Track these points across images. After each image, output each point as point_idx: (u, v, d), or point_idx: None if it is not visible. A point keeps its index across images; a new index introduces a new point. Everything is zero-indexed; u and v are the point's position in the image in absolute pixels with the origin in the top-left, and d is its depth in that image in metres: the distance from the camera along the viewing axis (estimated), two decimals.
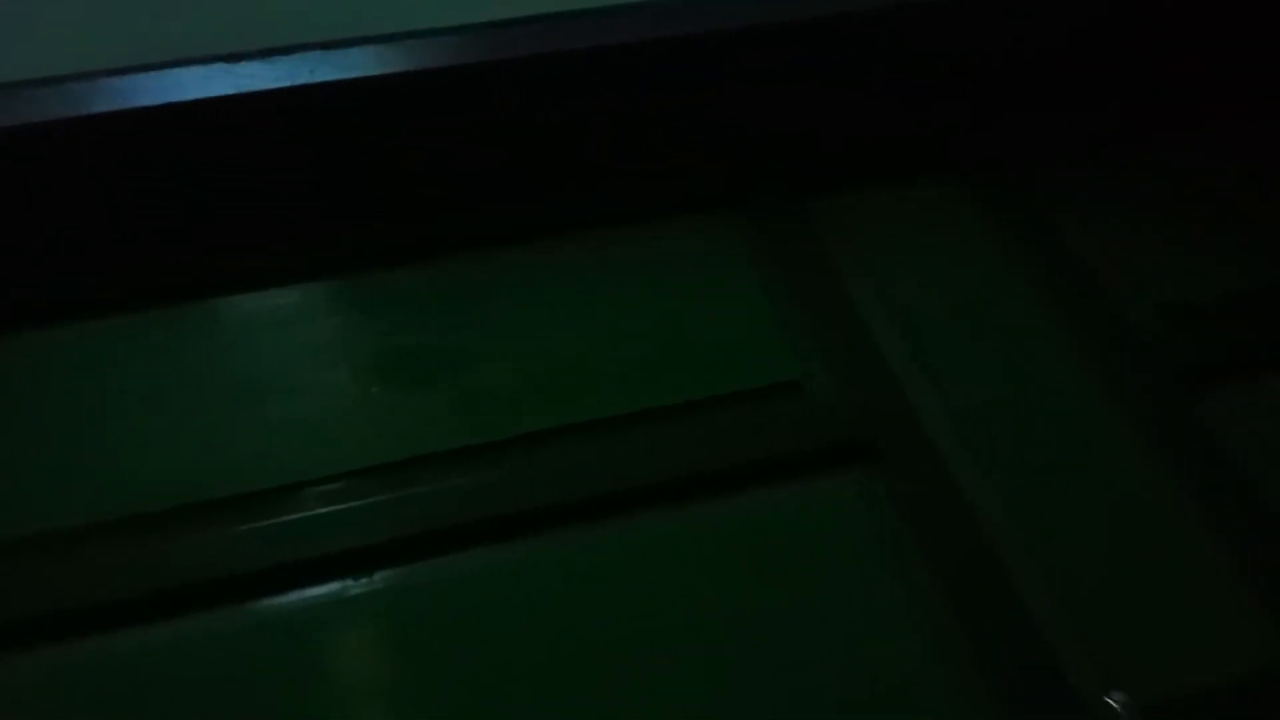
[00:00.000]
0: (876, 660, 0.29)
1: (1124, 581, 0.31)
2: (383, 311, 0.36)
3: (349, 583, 0.31)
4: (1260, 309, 0.38)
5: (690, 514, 0.32)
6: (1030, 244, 0.39)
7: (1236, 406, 0.35)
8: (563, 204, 0.39)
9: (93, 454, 0.32)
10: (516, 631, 0.30)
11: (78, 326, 0.34)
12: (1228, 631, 0.30)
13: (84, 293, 0.35)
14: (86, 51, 0.37)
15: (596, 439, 0.33)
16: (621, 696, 0.29)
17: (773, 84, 0.41)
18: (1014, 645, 0.30)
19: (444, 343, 0.35)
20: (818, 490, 0.32)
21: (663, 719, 0.29)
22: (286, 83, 0.37)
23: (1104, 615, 0.31)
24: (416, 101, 0.38)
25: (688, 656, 0.29)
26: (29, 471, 0.31)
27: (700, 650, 0.29)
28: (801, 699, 0.29)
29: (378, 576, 0.31)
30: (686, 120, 0.41)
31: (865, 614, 0.30)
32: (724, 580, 0.31)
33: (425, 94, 0.37)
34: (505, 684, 0.29)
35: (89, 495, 0.31)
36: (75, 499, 0.31)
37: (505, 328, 0.35)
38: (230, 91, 0.37)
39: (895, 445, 0.33)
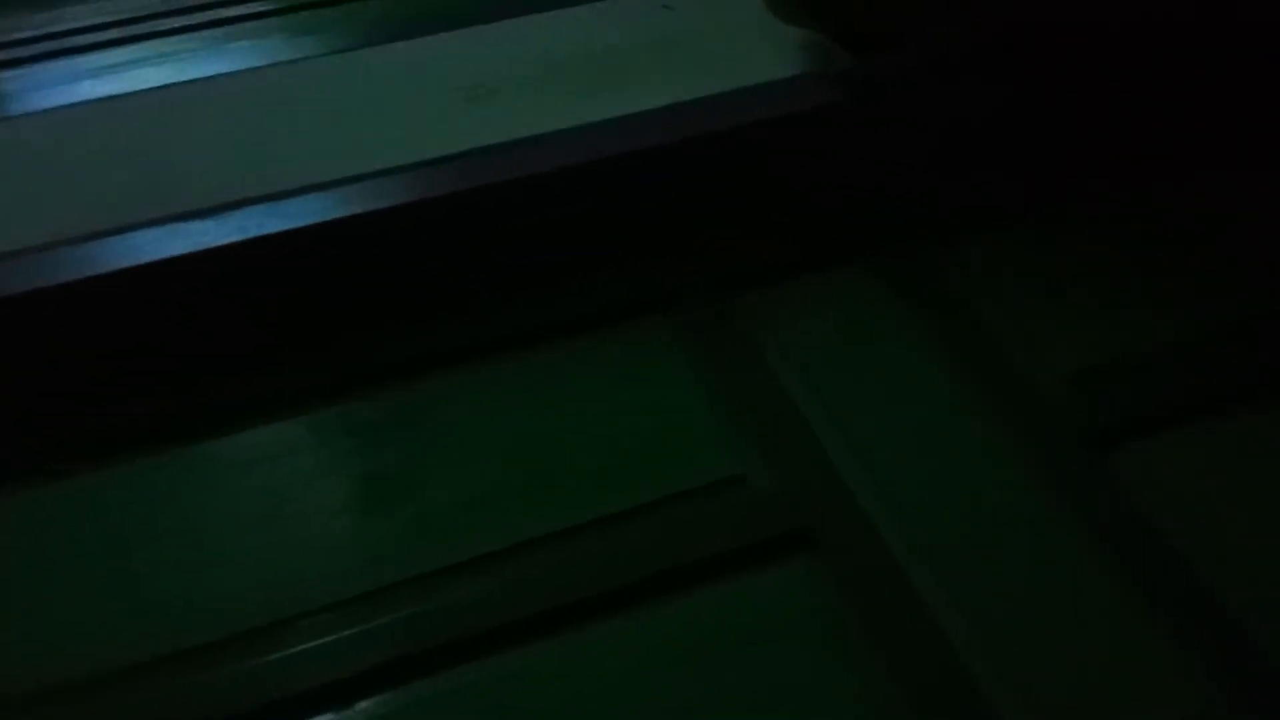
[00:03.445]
0: None
1: (1054, 639, 0.32)
2: (339, 444, 0.37)
3: (330, 717, 0.31)
4: (1161, 368, 0.39)
5: (649, 616, 0.32)
6: (944, 319, 0.41)
7: (1146, 463, 0.36)
8: (495, 325, 0.41)
9: (66, 611, 0.33)
10: None
11: (45, 487, 0.36)
12: (1155, 682, 0.31)
13: (44, 454, 0.37)
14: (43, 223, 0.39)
15: (551, 552, 0.34)
16: None
17: (685, 193, 0.43)
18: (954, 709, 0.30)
19: (398, 470, 0.36)
20: (767, 580, 0.33)
21: None
22: (234, 237, 0.39)
23: (1040, 675, 0.31)
24: (353, 244, 0.40)
25: None
26: (7, 630, 0.32)
27: None
28: None
29: (358, 708, 0.31)
30: (607, 233, 0.43)
31: (814, 698, 0.31)
32: (690, 677, 0.31)
33: (359, 237, 0.40)
34: None
35: (67, 653, 0.32)
36: (53, 657, 0.32)
37: (452, 450, 0.37)
38: (184, 250, 0.39)
39: (836, 530, 0.34)
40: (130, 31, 0.60)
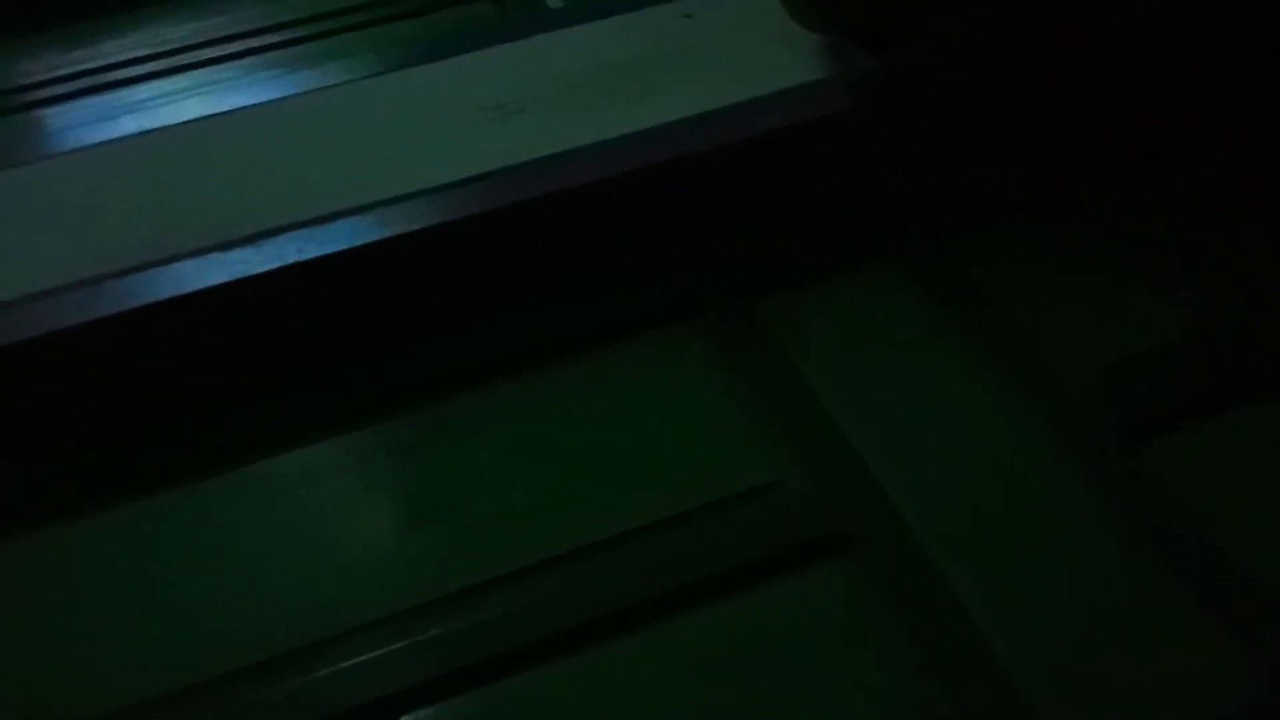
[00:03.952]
0: None
1: (1097, 637, 0.32)
2: (378, 464, 0.38)
3: None
4: (1192, 357, 0.39)
5: (690, 623, 0.33)
6: (970, 317, 0.41)
7: (1182, 455, 0.36)
8: (526, 338, 0.42)
9: (114, 636, 0.34)
10: None
11: (90, 518, 0.37)
12: (1204, 675, 0.31)
13: (89, 485, 0.38)
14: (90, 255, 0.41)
15: (589, 563, 0.34)
16: None
17: (709, 202, 0.44)
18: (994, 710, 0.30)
19: (435, 488, 0.37)
20: (804, 585, 0.33)
21: None
22: (274, 264, 0.40)
23: (1082, 674, 0.31)
24: (387, 266, 0.41)
25: None
26: (64, 658, 0.33)
27: None
28: None
29: None
30: (635, 243, 0.43)
31: (853, 700, 0.31)
32: (732, 683, 0.32)
33: (393, 259, 0.40)
34: None
35: (118, 678, 0.32)
36: (105, 684, 0.32)
37: (487, 466, 0.37)
38: (225, 279, 0.40)
39: (870, 532, 0.34)
40: (164, 65, 0.61)
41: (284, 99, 0.50)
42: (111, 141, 0.50)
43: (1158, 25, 0.46)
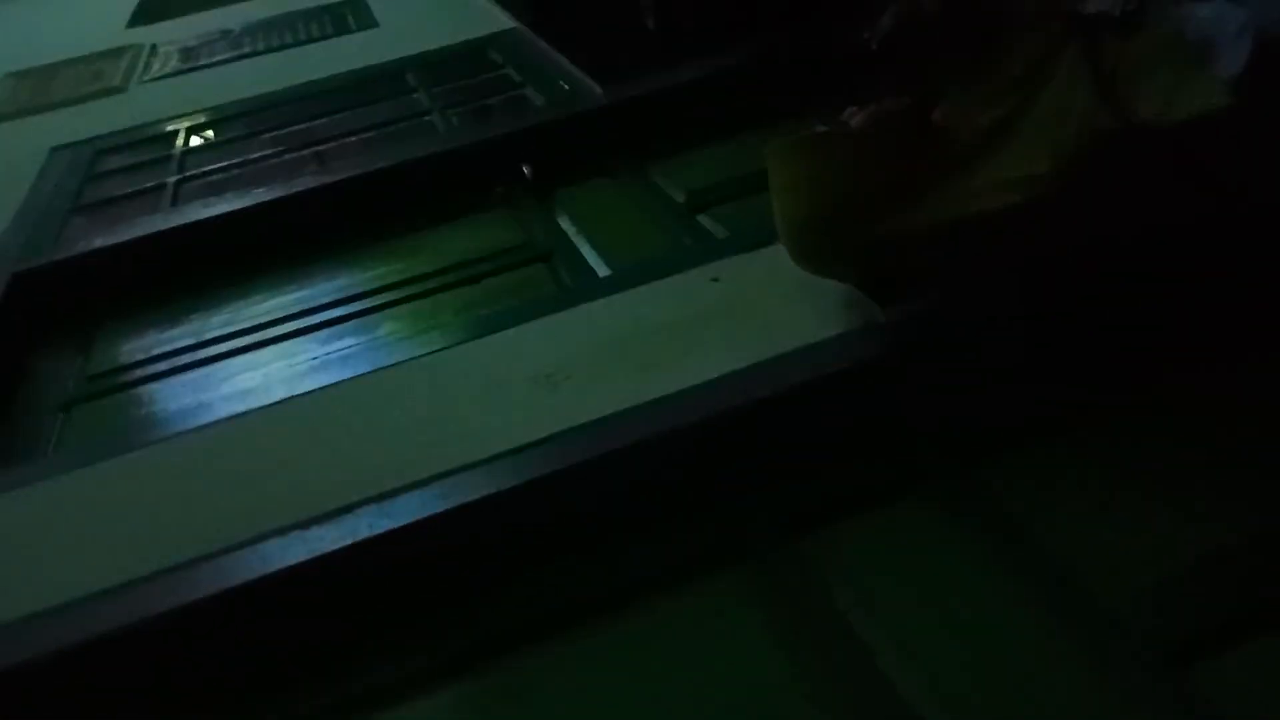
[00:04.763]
0: None
1: None
2: None
3: None
4: (1230, 573, 0.40)
5: None
6: (1007, 545, 0.42)
7: (1222, 677, 0.37)
8: (580, 590, 0.44)
9: None
10: None
11: None
12: None
13: None
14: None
15: None
16: None
17: (748, 449, 0.47)
18: None
19: None
20: None
21: None
22: (349, 540, 0.44)
23: None
24: (452, 533, 0.44)
25: None
26: None
27: None
28: None
29: None
30: (680, 494, 0.47)
31: None
32: None
33: (458, 527, 0.44)
34: None
35: None
36: None
37: None
38: (305, 557, 0.44)
39: None
40: (250, 339, 0.68)
41: (356, 378, 0.56)
42: (203, 427, 0.55)
43: (1159, 240, 0.49)
